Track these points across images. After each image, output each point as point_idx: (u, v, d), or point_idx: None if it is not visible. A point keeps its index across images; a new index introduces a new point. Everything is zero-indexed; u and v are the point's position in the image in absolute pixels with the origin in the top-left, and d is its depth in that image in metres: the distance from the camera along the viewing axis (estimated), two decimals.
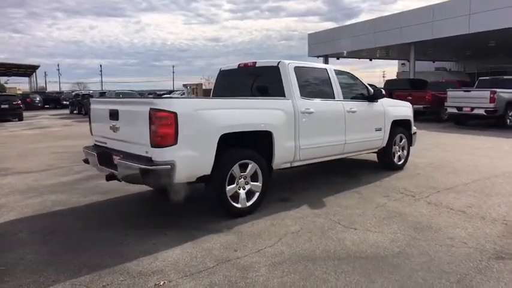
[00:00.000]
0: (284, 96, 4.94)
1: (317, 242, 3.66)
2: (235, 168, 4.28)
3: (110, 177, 4.36)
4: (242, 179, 4.38)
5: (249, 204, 4.43)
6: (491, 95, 12.74)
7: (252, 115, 4.48)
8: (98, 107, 4.82)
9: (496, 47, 23.35)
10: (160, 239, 3.78)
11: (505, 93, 13.06)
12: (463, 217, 4.31)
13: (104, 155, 4.50)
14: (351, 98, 5.88)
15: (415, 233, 3.86)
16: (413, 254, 3.39)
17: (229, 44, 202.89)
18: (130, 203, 5.20)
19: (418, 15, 21.20)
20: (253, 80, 5.54)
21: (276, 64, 5.10)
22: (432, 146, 9.46)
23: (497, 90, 12.88)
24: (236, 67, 5.75)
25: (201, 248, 3.57)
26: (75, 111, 29.17)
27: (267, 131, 4.56)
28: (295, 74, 5.06)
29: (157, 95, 34.84)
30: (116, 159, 4.24)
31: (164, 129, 3.70)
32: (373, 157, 6.98)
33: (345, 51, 27.36)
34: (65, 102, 34.87)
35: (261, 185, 4.53)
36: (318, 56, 30.00)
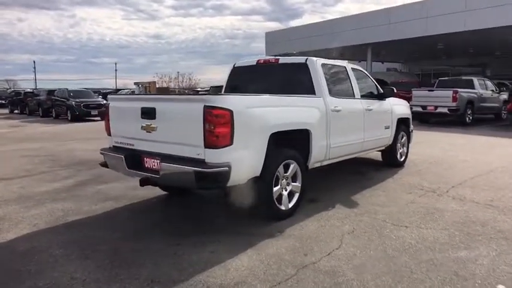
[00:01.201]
0: (314, 94, 4.83)
1: (380, 241, 3.61)
2: (280, 169, 4.11)
3: (144, 182, 3.98)
4: (284, 180, 4.22)
5: (290, 205, 4.28)
6: (454, 95, 13.58)
7: (295, 113, 4.33)
8: (123, 105, 4.39)
9: (443, 49, 24.99)
10: (217, 247, 3.52)
11: (465, 93, 14.00)
12: (494, 210, 4.48)
13: (133, 158, 4.10)
14: (365, 96, 5.91)
15: (465, 228, 3.94)
16: (478, 248, 3.44)
17: (172, 41, 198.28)
18: (153, 209, 4.82)
19: (376, 17, 22.09)
20: (276, 77, 5.36)
21: (304, 61, 4.98)
22: (412, 143, 9.84)
23: (459, 90, 13.76)
24: (254, 63, 5.54)
25: (267, 254, 3.37)
26: (16, 111, 26.98)
27: (306, 130, 4.43)
28: (323, 71, 4.98)
29: (116, 92, 33.16)
30: (153, 162, 3.90)
31: (221, 128, 3.44)
32: (370, 155, 7.09)
33: (295, 51, 27.75)
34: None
35: (300, 185, 4.40)
36: (276, 55, 30.23)
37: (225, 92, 5.84)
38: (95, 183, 6.03)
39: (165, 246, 3.55)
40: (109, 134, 4.54)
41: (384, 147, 6.54)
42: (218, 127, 3.43)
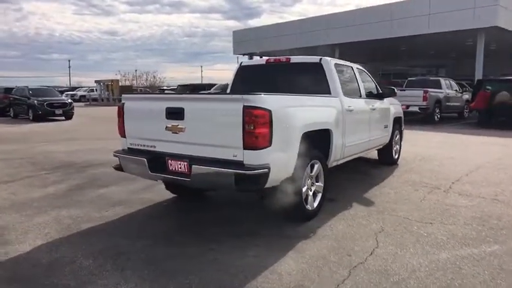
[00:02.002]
0: (329, 93, 4.84)
1: (414, 239, 3.67)
2: (308, 169, 4.07)
3: (170, 185, 3.80)
4: (309, 180, 4.19)
5: (315, 205, 4.26)
6: (424, 94, 14.18)
7: (321, 113, 4.32)
8: (142, 105, 4.17)
9: (405, 50, 26.06)
10: (257, 251, 3.42)
11: (434, 93, 14.67)
12: (502, 205, 4.70)
13: (156, 161, 3.90)
14: (368, 96, 6.01)
15: (485, 222, 4.10)
16: (507, 242, 3.59)
17: (128, 38, 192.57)
18: (169, 214, 4.64)
19: (344, 18, 22.63)
20: (286, 76, 5.32)
21: (318, 60, 4.98)
22: None
23: (429, 89, 14.39)
24: (264, 62, 5.47)
25: (311, 256, 3.32)
26: None
27: (327, 129, 4.43)
28: (336, 70, 5.00)
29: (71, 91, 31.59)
30: (180, 164, 3.74)
31: (261, 129, 3.35)
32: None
33: (259, 51, 27.86)
34: None
35: (322, 185, 4.39)
36: (244, 54, 30.24)
37: (230, 91, 5.72)
38: (92, 187, 5.70)
39: (201, 252, 3.41)
40: (123, 135, 4.29)
41: (382, 146, 6.69)
42: (258, 128, 3.33)
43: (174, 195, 5.11)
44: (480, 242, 3.60)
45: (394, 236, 3.76)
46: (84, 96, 39.01)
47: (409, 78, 17.39)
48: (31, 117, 17.83)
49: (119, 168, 4.31)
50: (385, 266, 3.12)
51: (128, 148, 4.26)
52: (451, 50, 26.20)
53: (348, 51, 26.22)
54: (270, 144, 3.42)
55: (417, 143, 9.90)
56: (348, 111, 4.94)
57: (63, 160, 7.89)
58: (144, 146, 4.09)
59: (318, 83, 4.92)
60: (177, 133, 3.75)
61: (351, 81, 5.48)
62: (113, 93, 32.47)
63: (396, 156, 7.24)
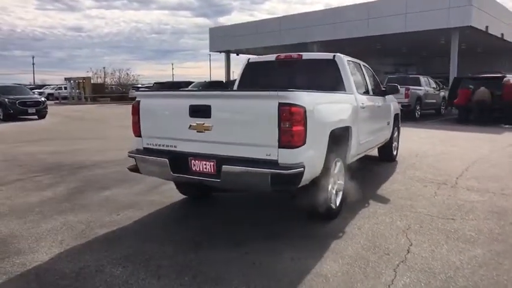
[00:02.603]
0: (344, 90, 4.79)
1: (444, 236, 3.68)
2: (332, 167, 4.01)
3: (181, 186, 3.65)
4: (332, 178, 4.12)
5: (338, 204, 4.20)
6: (406, 92, 14.49)
7: (343, 110, 4.25)
8: (160, 102, 3.96)
9: (381, 48, 26.58)
10: (292, 252, 3.32)
11: (415, 90, 15.02)
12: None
13: (179, 161, 3.71)
14: (374, 93, 6.02)
15: (504, 217, 4.17)
16: None
17: (94, 34, 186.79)
18: (186, 216, 4.44)
19: (322, 16, 22.81)
20: (298, 73, 5.23)
21: (331, 57, 4.92)
22: None
23: (411, 87, 14.72)
24: (273, 59, 5.35)
25: (350, 256, 3.26)
26: None
27: (347, 127, 4.38)
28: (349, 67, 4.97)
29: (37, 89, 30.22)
30: (205, 165, 3.59)
31: (297, 127, 3.24)
32: None
33: (234, 48, 27.73)
34: None
35: (343, 183, 4.33)
36: (221, 52, 29.97)
37: (238, 88, 5.56)
38: (93, 190, 5.41)
39: (236, 256, 3.27)
40: (138, 134, 4.07)
41: (384, 143, 6.74)
42: (295, 125, 3.23)
43: (184, 196, 4.92)
44: (507, 237, 3.65)
45: (423, 233, 3.76)
46: (52, 94, 37.43)
47: (389, 76, 17.73)
48: (1, 117, 16.89)
49: (134, 169, 4.09)
50: (428, 264, 3.09)
51: (144, 148, 4.04)
52: (422, 49, 26.95)
53: (326, 49, 26.47)
54: (304, 142, 3.32)
55: (407, 139, 10.04)
56: (361, 108, 4.91)
57: (50, 161, 7.47)
58: (163, 145, 3.89)
59: (332, 80, 4.86)
60: (202, 132, 3.58)
61: (360, 78, 5.46)
62: (85, 91, 31.35)
63: (395, 153, 7.32)
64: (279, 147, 3.27)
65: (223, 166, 3.39)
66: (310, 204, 3.81)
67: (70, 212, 4.45)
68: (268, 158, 3.32)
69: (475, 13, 17.47)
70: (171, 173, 3.72)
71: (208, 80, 29.68)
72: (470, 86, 13.63)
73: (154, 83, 29.26)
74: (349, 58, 5.30)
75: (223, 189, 4.41)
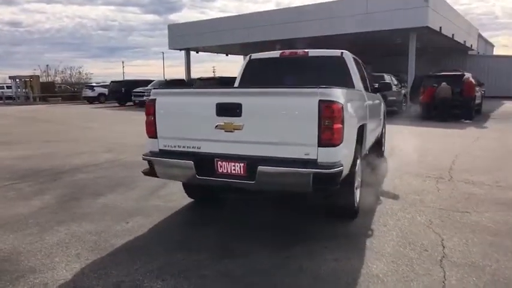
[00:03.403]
0: (353, 87, 4.78)
1: (469, 229, 3.75)
2: (357, 165, 3.97)
3: (189, 188, 3.48)
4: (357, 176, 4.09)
5: (358, 201, 4.18)
6: None
7: (362, 107, 4.23)
8: (181, 101, 3.70)
9: (339, 47, 27.10)
10: (332, 253, 3.24)
11: None
12: (510, 191, 5.06)
13: (205, 163, 3.49)
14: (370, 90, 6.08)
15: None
16: None
17: (34, 30, 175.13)
18: (202, 221, 4.19)
19: (284, 15, 22.94)
20: (304, 70, 5.14)
21: (339, 54, 4.89)
22: None
23: None
24: (277, 56, 5.23)
25: (390, 254, 3.23)
26: None
27: (365, 124, 4.37)
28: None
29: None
30: (234, 166, 3.41)
31: (337, 124, 3.16)
32: None
33: (194, 46, 27.25)
34: None
35: (360, 180, 4.32)
36: (181, 49, 29.31)
37: (239, 85, 5.37)
38: (86, 196, 5.01)
39: (279, 262, 3.13)
40: (153, 136, 3.78)
41: (377, 139, 6.84)
42: (335, 123, 3.14)
43: (185, 200, 4.67)
44: None
45: (447, 227, 3.82)
46: None
47: None
48: None
49: (149, 173, 3.80)
50: (470, 259, 3.13)
51: (160, 150, 3.76)
52: (380, 48, 27.95)
53: (287, 47, 26.67)
54: (342, 140, 3.24)
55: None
56: (368, 105, 4.93)
57: (24, 167, 6.85)
58: (184, 147, 3.64)
59: (340, 77, 4.83)
60: (231, 131, 3.38)
61: (363, 75, 5.48)
62: (33, 91, 29.34)
63: (383, 149, 7.47)
64: (319, 145, 3.16)
65: (259, 167, 3.22)
66: (341, 203, 3.75)
67: (71, 222, 4.06)
68: (306, 157, 3.21)
69: (430, 14, 18.37)
70: (197, 176, 3.49)
71: (169, 78, 28.80)
72: (434, 84, 14.29)
73: (111, 81, 28.00)
74: (353, 55, 5.31)
75: (252, 192, 4.21)
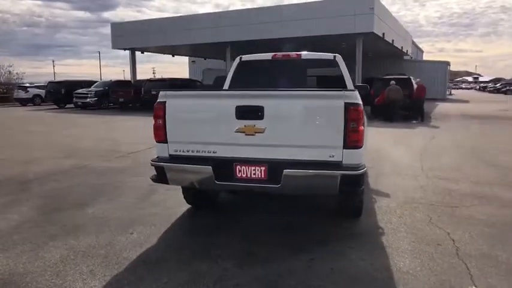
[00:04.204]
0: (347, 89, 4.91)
1: (466, 221, 4.02)
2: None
3: (189, 193, 3.49)
4: None
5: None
6: None
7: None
8: (195, 103, 3.53)
9: (288, 50, 27.65)
10: (354, 253, 3.30)
11: None
12: (487, 187, 5.49)
13: (222, 168, 3.38)
14: None
15: (498, 201, 4.73)
16: None
17: None
18: (208, 228, 4.03)
19: (235, 16, 22.93)
20: (297, 72, 5.18)
21: (332, 57, 5.00)
22: None
23: None
24: (269, 58, 5.21)
25: (409, 250, 3.37)
26: None
27: None
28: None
29: None
30: (254, 170, 3.35)
31: (361, 126, 3.22)
32: None
33: (139, 46, 26.39)
34: None
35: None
36: (125, 49, 28.09)
37: (229, 86, 5.27)
38: (70, 207, 4.63)
39: (306, 264, 3.12)
40: (162, 140, 3.57)
41: None
42: (360, 125, 3.20)
43: (180, 205, 4.50)
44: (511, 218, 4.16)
45: (446, 221, 4.05)
46: None
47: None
48: None
49: (159, 179, 3.59)
50: (480, 250, 3.35)
51: (171, 155, 3.57)
52: (327, 52, 28.98)
53: (237, 49, 26.62)
54: (363, 142, 3.32)
55: None
56: None
57: None
58: (197, 151, 3.49)
59: (333, 79, 4.94)
60: (252, 135, 3.31)
61: (349, 77, 5.64)
62: None
63: None
64: (344, 147, 3.20)
65: (285, 170, 3.19)
66: (354, 203, 3.84)
67: (66, 236, 3.72)
68: (331, 159, 3.23)
69: (376, 21, 19.42)
70: (215, 181, 3.36)
71: (114, 79, 27.37)
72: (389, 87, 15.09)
73: (49, 82, 26.05)
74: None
75: (272, 196, 4.15)
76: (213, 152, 3.46)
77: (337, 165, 3.22)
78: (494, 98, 35.82)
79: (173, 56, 33.15)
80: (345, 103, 3.15)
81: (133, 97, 21.56)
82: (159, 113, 3.54)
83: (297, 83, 5.11)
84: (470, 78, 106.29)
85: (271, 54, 5.21)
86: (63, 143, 9.70)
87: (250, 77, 5.28)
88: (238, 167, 3.39)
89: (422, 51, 47.18)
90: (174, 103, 3.53)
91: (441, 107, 22.41)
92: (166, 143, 3.57)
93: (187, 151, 3.53)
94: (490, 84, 62.60)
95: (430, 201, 4.73)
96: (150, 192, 5.14)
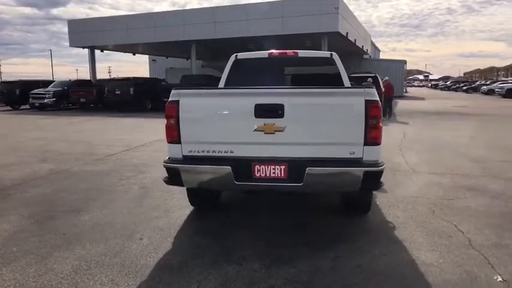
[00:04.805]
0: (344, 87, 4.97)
1: (467, 213, 4.19)
2: None
3: (194, 195, 3.59)
4: None
5: None
6: None
7: None
8: (210, 102, 3.41)
9: (253, 49, 27.62)
10: (377, 249, 3.34)
11: None
12: (472, 179, 5.76)
13: (240, 168, 3.30)
14: None
15: (484, 193, 4.97)
16: None
17: None
18: (218, 228, 3.92)
19: (200, 15, 22.63)
20: (293, 70, 5.17)
21: (329, 55, 5.04)
22: None
23: None
24: (265, 56, 5.16)
25: (427, 243, 3.46)
26: None
27: None
28: None
29: None
30: (274, 169, 3.31)
31: (380, 123, 3.26)
32: None
33: (111, 44, 25.54)
34: None
35: None
36: (84, 47, 26.96)
37: (225, 84, 5.16)
38: (63, 214, 4.36)
39: (330, 262, 3.12)
40: (175, 140, 3.43)
41: None
42: (379, 122, 3.24)
43: (179, 207, 4.39)
44: (507, 208, 4.38)
45: (449, 214, 4.20)
46: None
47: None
48: None
49: (172, 181, 3.46)
50: (491, 240, 3.50)
51: (185, 156, 3.44)
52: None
53: (203, 48, 26.33)
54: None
55: None
56: None
57: None
58: (214, 151, 3.39)
59: (330, 77, 4.98)
60: (272, 133, 3.26)
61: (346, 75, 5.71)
62: None
63: None
64: (365, 144, 3.23)
65: (308, 168, 3.17)
66: (366, 199, 3.89)
67: (72, 246, 3.49)
68: (351, 156, 3.25)
69: (340, 21, 19.90)
70: (235, 182, 3.28)
71: (74, 79, 26.16)
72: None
73: (2, 82, 24.45)
74: None
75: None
76: (230, 152, 3.37)
77: (357, 162, 3.24)
78: (447, 95, 37.87)
79: (134, 54, 32.20)
80: (366, 100, 3.18)
81: (95, 97, 20.70)
82: (172, 113, 3.39)
83: (293, 81, 5.12)
84: (421, 77, 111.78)
85: (267, 52, 5.17)
86: (32, 147, 9.10)
87: (247, 75, 5.21)
88: (257, 166, 3.33)
89: (379, 51, 49.00)
90: (188, 102, 3.40)
91: (402, 104, 23.32)
92: (180, 143, 3.44)
93: (203, 151, 3.41)
94: (441, 82, 66.16)
95: (427, 195, 4.89)
96: (143, 196, 4.96)
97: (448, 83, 56.90)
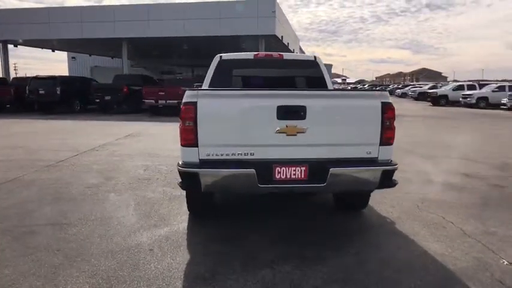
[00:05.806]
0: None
1: (445, 205, 4.59)
2: None
3: (193, 200, 3.74)
4: None
5: None
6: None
7: None
8: (230, 104, 3.29)
9: (186, 49, 27.01)
10: (390, 244, 3.54)
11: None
12: (463, 177, 6.32)
13: (263, 171, 3.25)
14: None
15: (472, 180, 5.49)
16: None
17: None
18: (223, 234, 3.81)
19: (131, 11, 21.62)
20: (279, 72, 5.21)
21: (313, 58, 5.17)
22: None
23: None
24: (251, 57, 5.12)
25: (429, 235, 3.74)
26: None
27: None
28: None
29: None
30: (294, 171, 3.34)
31: (394, 123, 3.45)
32: None
33: (17, 38, 23.27)
34: None
35: None
36: (5, 41, 24.20)
37: (210, 85, 5.03)
38: (39, 227, 3.92)
39: (354, 258, 3.24)
40: (192, 144, 3.26)
41: None
42: (393, 123, 3.42)
43: (177, 213, 4.22)
44: (504, 194, 4.89)
45: (433, 207, 4.56)
46: None
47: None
48: None
49: (189, 186, 3.31)
50: (480, 229, 3.89)
51: (202, 160, 3.29)
52: (224, 52, 29.21)
53: (135, 46, 25.12)
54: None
55: None
56: None
57: None
58: (233, 154, 3.29)
59: (314, 80, 5.12)
60: (294, 135, 3.27)
61: (330, 78, 5.89)
62: None
63: None
64: (380, 144, 3.39)
65: (332, 169, 3.23)
66: (368, 196, 4.08)
67: (75, 263, 3.15)
68: (368, 156, 3.39)
69: (277, 24, 20.39)
70: (258, 185, 3.22)
71: None
72: None
73: None
74: None
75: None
76: (251, 154, 3.31)
77: (374, 161, 3.40)
78: None
79: (53, 51, 29.65)
80: (382, 102, 3.34)
81: (13, 97, 18.68)
82: (189, 115, 3.23)
83: (278, 83, 5.16)
84: (339, 80, 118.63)
85: (252, 53, 5.14)
86: None
87: (231, 76, 5.15)
88: (277, 168, 3.31)
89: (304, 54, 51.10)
90: (207, 103, 3.26)
91: None
92: (197, 146, 3.28)
93: (221, 154, 3.30)
94: (359, 86, 71.15)
95: (406, 191, 5.14)
96: (126, 204, 4.67)
97: (366, 86, 61.40)
